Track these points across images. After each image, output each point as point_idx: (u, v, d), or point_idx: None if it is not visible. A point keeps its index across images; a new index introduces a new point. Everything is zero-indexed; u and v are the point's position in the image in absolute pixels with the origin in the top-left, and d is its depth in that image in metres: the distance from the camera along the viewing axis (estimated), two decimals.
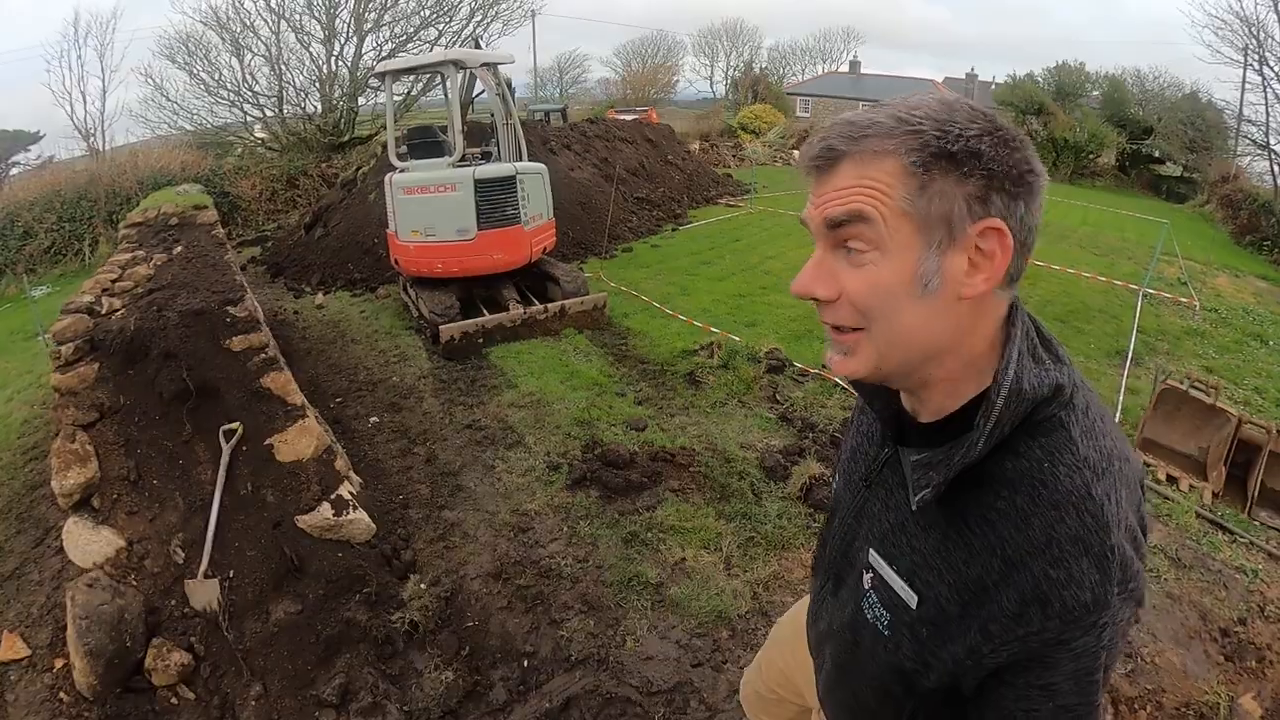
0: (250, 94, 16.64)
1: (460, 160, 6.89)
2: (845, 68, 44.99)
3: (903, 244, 0.76)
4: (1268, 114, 20.17)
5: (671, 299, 7.66)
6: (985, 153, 0.73)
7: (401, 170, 6.89)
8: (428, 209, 6.55)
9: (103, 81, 18.95)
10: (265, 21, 16.26)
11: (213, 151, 16.13)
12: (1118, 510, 0.76)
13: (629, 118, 19.43)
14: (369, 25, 16.97)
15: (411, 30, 17.58)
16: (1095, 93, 30.62)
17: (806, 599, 1.37)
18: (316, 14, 16.48)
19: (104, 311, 4.24)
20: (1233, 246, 16.73)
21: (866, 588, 0.97)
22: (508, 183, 6.63)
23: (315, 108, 17.19)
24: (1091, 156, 28.29)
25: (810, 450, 4.45)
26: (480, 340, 6.17)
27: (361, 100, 17.49)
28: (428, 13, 17.75)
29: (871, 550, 0.96)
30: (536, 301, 6.97)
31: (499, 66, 7.18)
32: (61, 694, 2.76)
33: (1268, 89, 20.09)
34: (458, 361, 5.93)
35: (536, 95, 38.68)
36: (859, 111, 0.81)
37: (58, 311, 4.13)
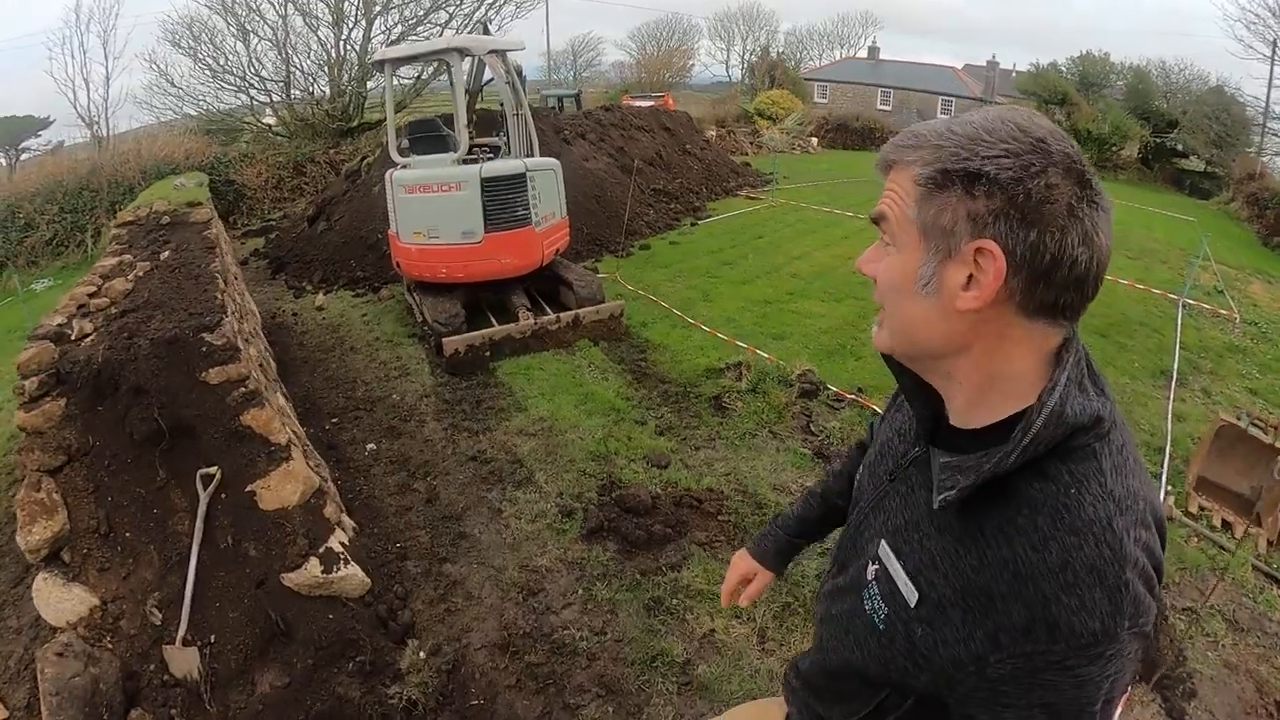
0: (257, 79, 16.21)
1: (469, 155, 6.43)
2: (863, 53, 44.39)
3: (909, 245, 0.83)
4: None
5: (693, 305, 7.15)
6: (996, 176, 0.76)
7: (403, 167, 6.42)
8: (431, 209, 6.08)
9: (106, 68, 18.54)
10: (272, 5, 15.80)
11: (219, 138, 15.74)
12: (1135, 548, 0.76)
13: (645, 104, 18.84)
14: (378, 8, 16.45)
15: (421, 13, 17.03)
16: (1120, 83, 29.93)
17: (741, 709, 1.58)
18: None
19: (74, 336, 3.83)
20: (1260, 247, 16.29)
21: (870, 578, 0.97)
22: (517, 181, 6.13)
23: (324, 92, 16.75)
24: (1114, 149, 27.83)
25: None
26: (487, 353, 5.71)
27: (371, 85, 16.99)
28: None
29: (883, 542, 0.96)
30: (548, 309, 6.51)
31: (508, 53, 6.64)
32: None
33: None
34: (462, 377, 5.49)
35: (550, 79, 37.95)
36: (930, 122, 0.86)
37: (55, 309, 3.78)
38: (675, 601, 3.25)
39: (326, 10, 16.08)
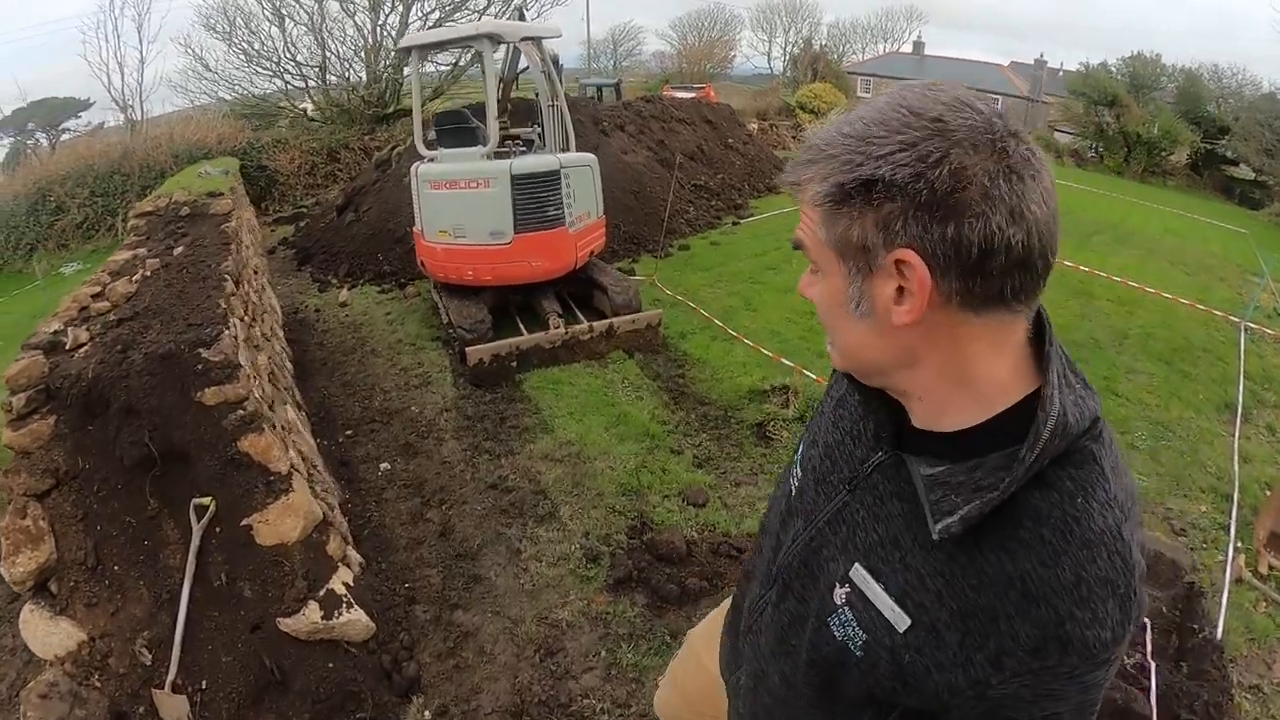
0: (292, 64, 16.02)
1: (502, 147, 6.03)
2: (908, 48, 43.53)
3: (830, 269, 0.78)
4: None
5: (735, 315, 6.66)
6: (893, 177, 0.68)
7: (430, 160, 6.01)
8: (457, 207, 5.69)
9: (140, 52, 18.51)
10: None
11: (253, 123, 15.60)
12: (1139, 553, 0.74)
13: (686, 95, 18.28)
14: None
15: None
16: (1171, 85, 28.95)
17: (724, 605, 1.36)
18: None
19: (68, 346, 3.54)
20: None
21: (838, 604, 0.87)
22: (550, 178, 5.69)
23: (360, 78, 16.52)
24: (1164, 154, 27.24)
25: None
26: (513, 363, 5.31)
27: (407, 70, 16.74)
28: None
29: (856, 565, 0.86)
30: (580, 314, 6.09)
31: (544, 40, 6.19)
32: None
33: None
34: (486, 389, 5.11)
35: (589, 68, 37.50)
36: (826, 128, 0.76)
37: None
38: None
39: None
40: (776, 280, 7.86)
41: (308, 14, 15.66)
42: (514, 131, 6.97)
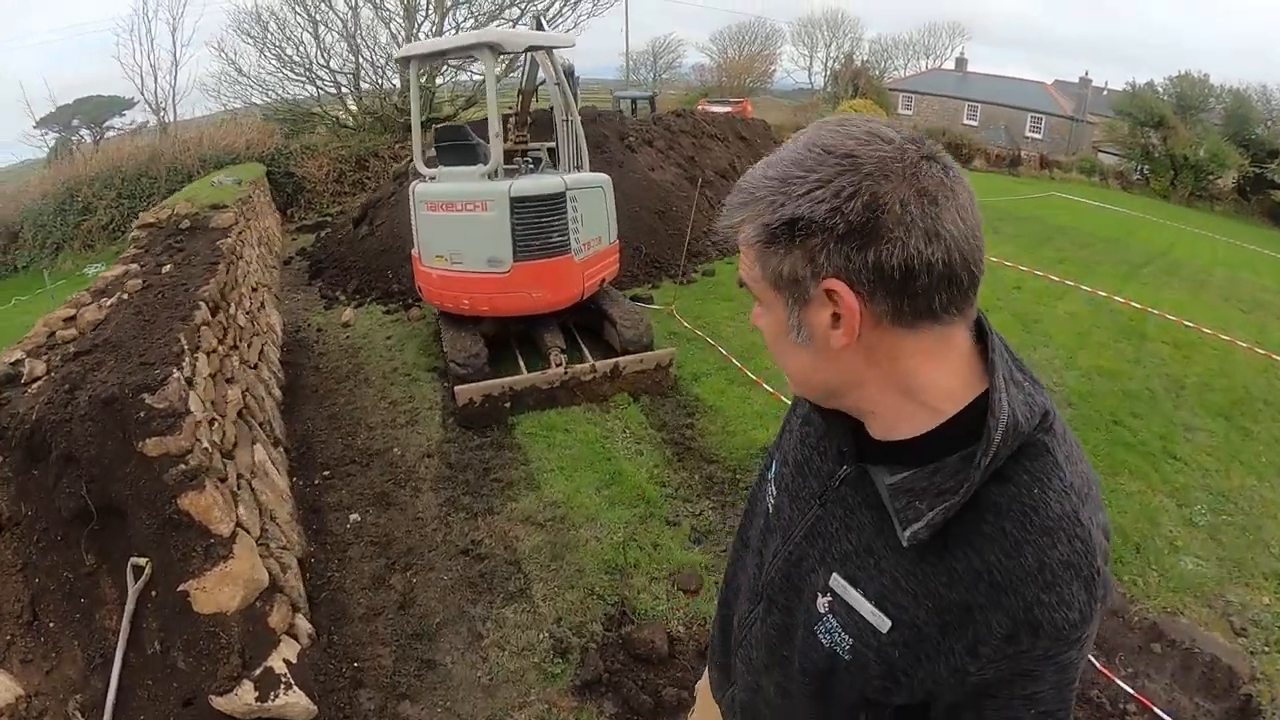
0: (325, 70, 16.04)
1: (509, 164, 5.68)
2: (950, 64, 42.70)
3: (771, 302, 0.81)
4: None
5: (756, 354, 6.09)
6: (812, 215, 0.72)
7: (430, 179, 5.66)
8: (454, 230, 5.32)
9: (174, 55, 18.74)
10: None
11: (284, 128, 15.63)
12: (1099, 534, 0.76)
13: (721, 110, 17.93)
14: (450, 2, 16.06)
15: (494, 8, 16.56)
16: (1219, 106, 27.90)
17: None
18: None
19: (24, 379, 3.31)
20: None
21: (822, 612, 0.90)
22: (554, 201, 5.25)
23: (393, 85, 16.48)
24: (1211, 177, 26.29)
25: None
26: (507, 404, 4.90)
27: (441, 80, 16.67)
28: None
29: (835, 574, 0.88)
30: (586, 349, 5.70)
31: (554, 50, 5.74)
32: None
33: None
34: (475, 432, 4.72)
35: (628, 80, 37.31)
36: (752, 170, 0.80)
37: None
38: None
39: (398, 2, 15.76)
40: None
41: (341, 20, 15.66)
42: (531, 145, 6.66)
